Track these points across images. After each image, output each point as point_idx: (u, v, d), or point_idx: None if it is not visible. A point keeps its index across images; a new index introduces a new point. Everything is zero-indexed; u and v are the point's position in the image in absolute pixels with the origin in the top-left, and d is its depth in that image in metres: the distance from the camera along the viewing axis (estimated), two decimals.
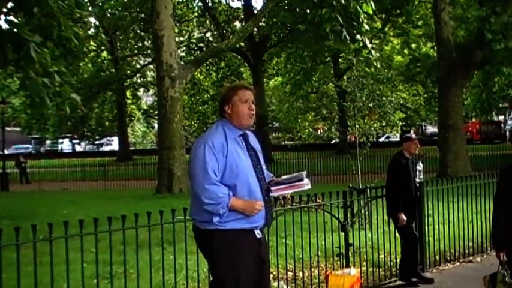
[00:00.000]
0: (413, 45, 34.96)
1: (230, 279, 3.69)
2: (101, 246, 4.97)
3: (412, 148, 6.94)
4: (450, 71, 20.37)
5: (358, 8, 11.32)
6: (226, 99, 3.90)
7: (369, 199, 7.68)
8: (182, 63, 23.33)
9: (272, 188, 3.87)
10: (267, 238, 4.14)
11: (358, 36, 10.80)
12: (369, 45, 11.08)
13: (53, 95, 7.44)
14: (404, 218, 6.62)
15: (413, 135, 7.31)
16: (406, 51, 36.43)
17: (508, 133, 46.58)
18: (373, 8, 11.66)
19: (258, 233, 3.82)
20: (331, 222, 6.47)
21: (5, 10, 8.03)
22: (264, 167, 3.95)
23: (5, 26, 7.59)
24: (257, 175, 3.82)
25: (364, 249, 7.07)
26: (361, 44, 10.92)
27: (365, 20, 11.32)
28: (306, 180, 3.90)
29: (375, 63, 11.38)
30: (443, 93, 21.06)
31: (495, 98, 34.02)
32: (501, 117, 47.24)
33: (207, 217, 3.70)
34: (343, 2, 11.22)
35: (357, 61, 11.62)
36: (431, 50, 33.29)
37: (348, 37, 10.14)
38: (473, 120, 50.11)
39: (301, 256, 6.13)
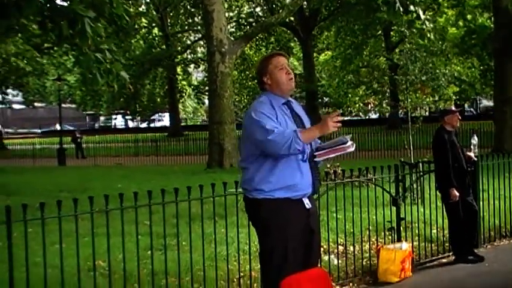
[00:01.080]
0: (469, 16, 33.76)
1: (279, 247, 3.69)
2: (155, 219, 5.10)
3: (454, 121, 6.75)
4: (508, 42, 19.64)
5: None
6: (262, 70, 3.91)
7: (421, 173, 7.55)
8: (232, 38, 23.35)
9: (316, 153, 3.84)
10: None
11: (411, 7, 10.48)
12: (423, 16, 10.75)
13: (104, 72, 7.59)
14: (457, 193, 6.45)
15: (453, 108, 7.11)
16: (460, 22, 35.23)
17: None
18: None
19: (307, 203, 3.80)
20: (382, 197, 6.40)
21: None
22: None
23: (60, 4, 7.78)
24: None
25: (416, 224, 6.98)
26: (414, 15, 10.61)
27: None
28: (349, 143, 3.80)
29: (428, 35, 11.05)
30: (499, 65, 20.37)
31: None
32: None
33: (256, 185, 3.71)
34: None
35: (410, 33, 11.33)
36: (488, 21, 32.12)
37: (401, 8, 9.85)
38: None
39: (352, 230, 6.09)
